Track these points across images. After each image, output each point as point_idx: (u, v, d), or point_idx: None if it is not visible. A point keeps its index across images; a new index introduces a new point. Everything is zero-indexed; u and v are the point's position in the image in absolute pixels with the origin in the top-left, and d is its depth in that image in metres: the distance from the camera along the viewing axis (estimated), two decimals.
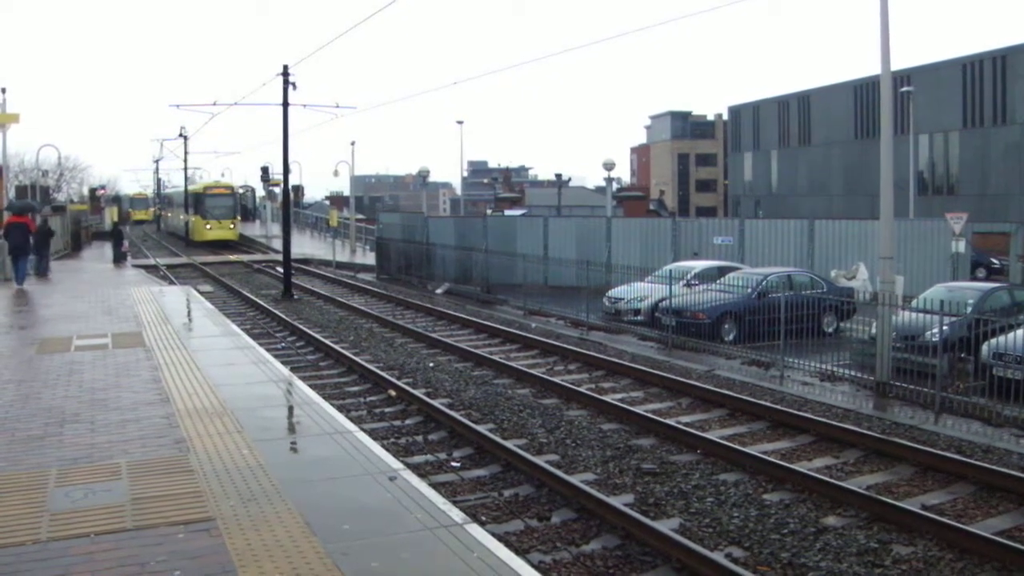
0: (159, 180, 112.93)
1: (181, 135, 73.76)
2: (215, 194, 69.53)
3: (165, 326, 21.15)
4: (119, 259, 45.65)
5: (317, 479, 9.59)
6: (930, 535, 10.56)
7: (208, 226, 67.58)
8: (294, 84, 35.64)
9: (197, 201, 69.30)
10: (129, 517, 8.26)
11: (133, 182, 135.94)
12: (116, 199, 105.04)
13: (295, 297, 34.89)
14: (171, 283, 37.15)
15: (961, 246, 31.50)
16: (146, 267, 45.80)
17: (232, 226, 69.11)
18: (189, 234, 70.54)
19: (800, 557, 10.00)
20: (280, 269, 39.86)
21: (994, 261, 42.59)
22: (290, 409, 13.24)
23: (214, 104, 45.62)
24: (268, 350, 19.17)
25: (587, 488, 11.77)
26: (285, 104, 35.87)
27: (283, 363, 17.48)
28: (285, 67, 35.47)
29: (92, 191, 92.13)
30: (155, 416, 12.14)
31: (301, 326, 26.41)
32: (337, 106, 40.65)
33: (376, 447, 10.98)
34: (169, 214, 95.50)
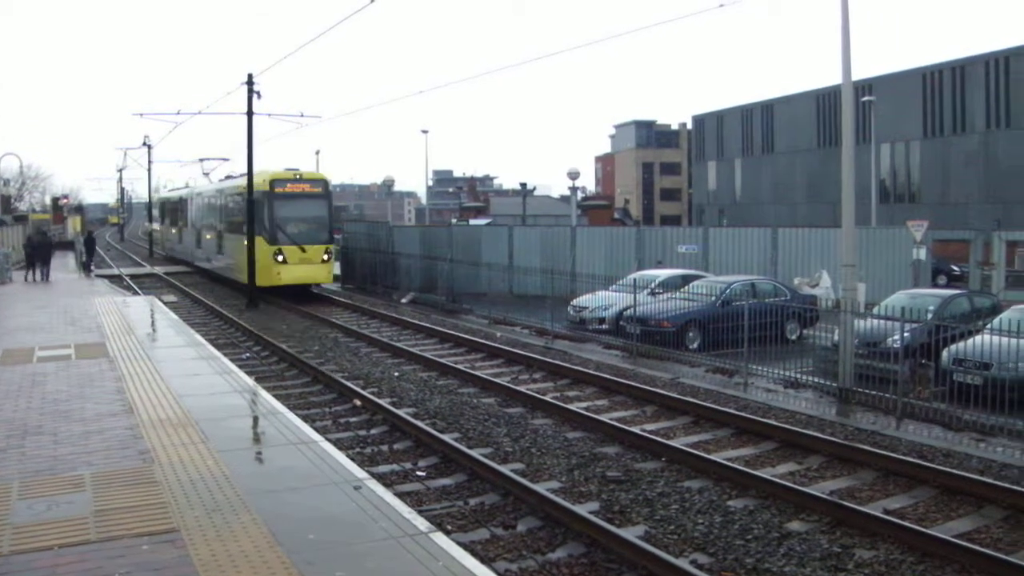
0: (123, 189, 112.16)
1: (145, 144, 72.97)
2: (293, 194, 37.86)
3: (129, 337, 21.03)
4: (89, 267, 45.57)
5: (282, 489, 9.57)
6: (892, 539, 10.67)
7: (281, 256, 36.93)
8: (259, 93, 35.54)
9: (256, 207, 36.64)
10: (93, 529, 8.22)
11: (96, 191, 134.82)
12: (79, 209, 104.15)
13: (260, 307, 34.74)
14: (135, 293, 36.98)
15: (922, 253, 31.84)
16: (110, 277, 45.44)
17: (326, 257, 38.41)
18: (243, 273, 37.70)
19: (764, 562, 10.06)
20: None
21: (954, 268, 43.05)
22: (255, 419, 13.18)
23: (178, 113, 45.47)
24: (233, 360, 19.08)
25: (553, 496, 11.79)
26: (250, 113, 35.75)
27: (248, 373, 17.40)
28: (250, 76, 35.37)
29: (55, 200, 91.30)
30: (119, 427, 12.07)
31: (266, 336, 26.32)
32: (302, 115, 40.33)
33: (341, 457, 10.97)
34: (173, 230, 63.54)
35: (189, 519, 8.48)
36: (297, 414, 13.95)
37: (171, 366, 17.06)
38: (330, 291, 41.83)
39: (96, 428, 12.03)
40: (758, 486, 12.69)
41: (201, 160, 52.99)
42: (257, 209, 36.42)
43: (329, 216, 39.29)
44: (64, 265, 49.23)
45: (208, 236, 48.07)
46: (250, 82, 35.41)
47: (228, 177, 46.81)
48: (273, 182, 37.24)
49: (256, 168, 36.89)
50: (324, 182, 39.46)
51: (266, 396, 14.73)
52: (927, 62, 67.07)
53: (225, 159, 53.71)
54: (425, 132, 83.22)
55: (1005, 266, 36.72)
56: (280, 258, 36.91)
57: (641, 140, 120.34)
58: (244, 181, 37.76)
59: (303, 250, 37.35)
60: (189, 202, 55.49)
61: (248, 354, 24.11)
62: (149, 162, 75.43)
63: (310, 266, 37.73)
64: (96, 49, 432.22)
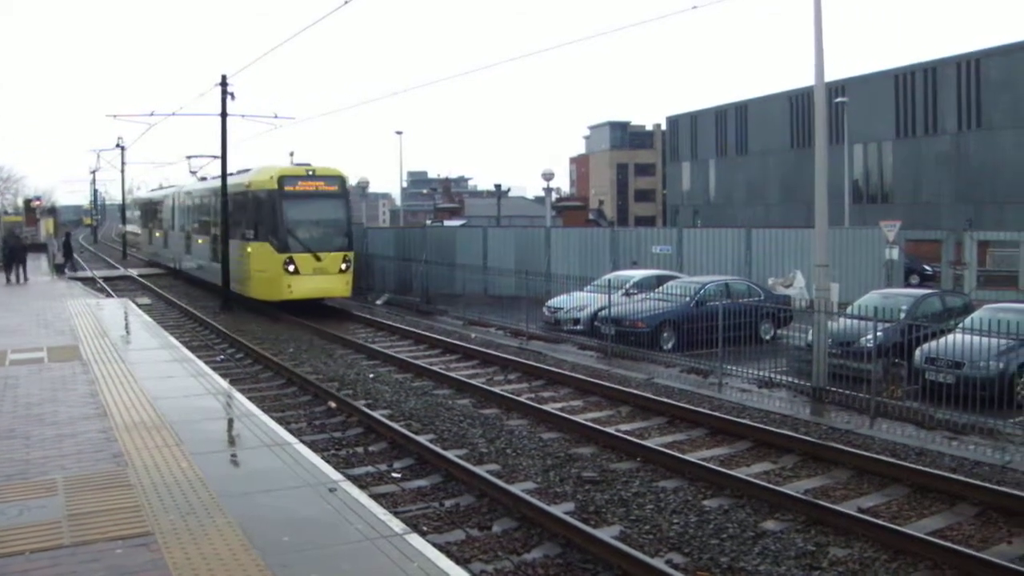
0: (96, 191, 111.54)
1: (118, 145, 72.32)
2: (305, 192, 33.16)
3: (102, 339, 20.92)
4: (63, 269, 45.34)
5: (257, 491, 9.54)
6: (866, 537, 10.73)
7: (292, 266, 31.95)
8: (232, 94, 35.38)
9: (259, 208, 33.41)
10: (66, 534, 8.17)
11: (70, 193, 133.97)
12: (52, 211, 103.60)
13: (234, 309, 34.58)
14: (109, 296, 36.70)
15: (895, 253, 32.05)
16: (83, 279, 45.15)
17: (344, 266, 33.13)
18: (248, 285, 34.51)
19: (739, 561, 10.09)
20: None
21: (926, 268, 43.33)
22: (229, 422, 13.14)
23: (151, 114, 44.90)
24: (207, 362, 19.01)
25: (528, 497, 11.80)
26: (223, 114, 35.58)
27: (222, 375, 17.34)
28: (223, 77, 35.21)
29: (27, 202, 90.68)
30: (92, 430, 12.01)
31: (240, 338, 26.22)
32: (276, 116, 40.19)
33: (316, 459, 10.95)
34: (156, 232, 58.49)
35: (163, 522, 8.45)
36: (272, 416, 13.92)
37: (145, 368, 16.98)
38: None
39: (69, 432, 11.96)
40: (733, 485, 12.73)
41: (189, 157, 48.84)
42: (262, 211, 32.86)
43: (347, 218, 34.16)
44: (36, 267, 48.88)
45: (200, 240, 42.31)
46: (224, 83, 35.26)
47: (228, 175, 40.37)
48: (282, 179, 32.47)
49: (255, 164, 35.06)
50: (341, 179, 34.16)
51: (240, 398, 14.69)
52: (899, 64, 67.43)
53: (216, 156, 49.11)
54: (399, 133, 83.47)
55: (976, 266, 36.99)
56: (291, 268, 31.75)
57: (615, 141, 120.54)
58: (242, 178, 35.10)
59: (318, 258, 32.22)
60: (175, 202, 50.07)
61: (222, 356, 24.01)
62: (123, 163, 74.84)
63: (326, 277, 32.43)
64: (69, 50, 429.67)
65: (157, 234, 58.06)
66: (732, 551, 10.38)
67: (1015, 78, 55.40)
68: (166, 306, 36.70)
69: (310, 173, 33.32)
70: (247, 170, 36.24)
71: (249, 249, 33.58)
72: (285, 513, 8.89)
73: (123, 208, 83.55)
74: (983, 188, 56.99)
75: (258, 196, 33.28)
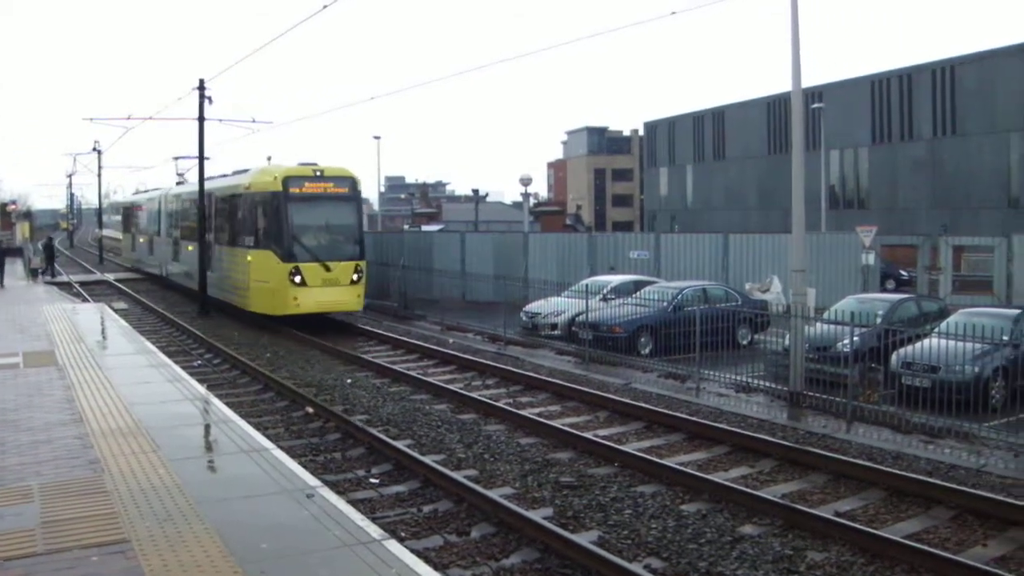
0: (72, 195, 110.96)
1: (95, 149, 71.81)
2: (313, 195, 30.32)
3: (79, 344, 20.79)
4: (42, 274, 45.09)
5: (234, 498, 9.49)
6: (843, 540, 10.78)
7: (299, 277, 29.11)
8: (210, 98, 35.28)
9: (260, 212, 30.59)
10: (41, 541, 8.10)
11: (47, 197, 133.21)
12: (28, 215, 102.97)
13: (212, 314, 34.41)
14: (85, 301, 36.52)
15: (871, 258, 32.15)
16: (59, 284, 44.90)
17: (356, 277, 30.26)
18: (246, 298, 31.61)
19: (717, 566, 10.11)
20: None
21: (903, 273, 43.50)
22: (206, 427, 13.08)
23: (128, 118, 44.57)
24: (184, 368, 18.94)
25: (506, 502, 11.79)
26: (201, 119, 35.47)
27: (199, 381, 17.27)
28: (201, 81, 35.11)
29: (3, 206, 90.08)
30: (68, 436, 11.92)
31: (217, 343, 26.11)
32: (254, 120, 40.21)
33: (294, 464, 10.91)
34: (140, 238, 55.27)
35: (140, 529, 8.39)
36: (249, 422, 13.87)
37: (121, 374, 16.88)
38: None
39: (45, 438, 11.87)
40: (711, 490, 12.76)
41: (176, 159, 47.53)
42: (265, 215, 30.03)
43: (359, 224, 31.56)
44: (12, 271, 48.58)
45: (189, 247, 39.22)
46: (201, 87, 35.15)
47: (221, 176, 38.07)
48: (287, 180, 29.53)
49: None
50: (352, 180, 30.99)
51: (218, 404, 14.62)
52: (875, 70, 67.73)
53: (206, 158, 46.03)
54: (377, 138, 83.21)
55: (952, 270, 37.16)
56: (297, 279, 28.89)
57: (593, 146, 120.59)
58: (239, 180, 32.43)
59: (327, 268, 29.37)
60: (162, 206, 46.93)
61: (200, 361, 23.91)
62: (99, 167, 74.29)
63: (336, 289, 29.59)
64: (46, 53, 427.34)
65: (141, 239, 54.92)
66: (710, 556, 10.40)
67: (989, 85, 55.77)
68: (143, 311, 36.52)
69: (318, 174, 30.31)
70: (244, 170, 33.78)
71: (249, 258, 30.66)
72: (263, 519, 8.84)
73: (99, 212, 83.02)
74: (958, 194, 57.34)
75: (259, 199, 30.33)
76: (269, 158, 35.33)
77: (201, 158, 35.49)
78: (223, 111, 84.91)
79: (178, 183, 45.95)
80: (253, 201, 30.85)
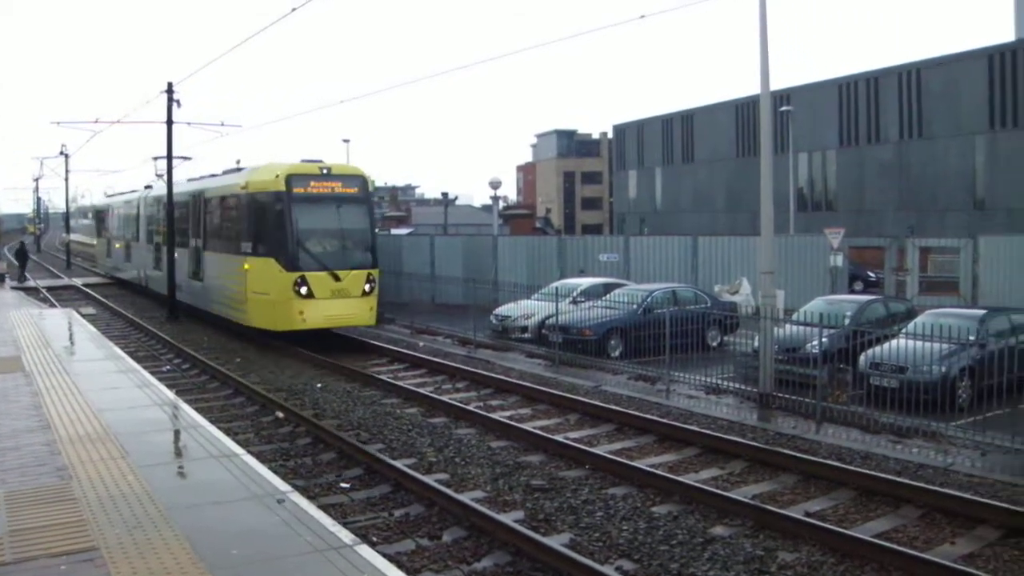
0: (39, 199, 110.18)
1: (62, 153, 71.28)
2: (320, 196, 27.42)
3: (46, 350, 20.61)
4: (10, 279, 44.73)
5: (204, 504, 9.43)
6: (813, 540, 10.84)
7: (305, 288, 26.10)
8: (179, 102, 35.04)
9: (260, 216, 27.41)
10: (7, 550, 8.01)
11: (13, 202, 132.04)
12: None
13: (181, 319, 34.17)
14: (52, 306, 36.24)
15: (839, 260, 32.34)
16: (26, 289, 44.52)
17: (368, 288, 27.36)
18: (243, 311, 28.27)
19: (689, 567, 10.13)
20: None
21: (870, 274, 43.75)
22: (176, 433, 12.99)
23: (96, 122, 44.13)
24: (153, 373, 18.80)
25: (477, 506, 11.79)
26: (169, 122, 35.24)
27: (168, 386, 17.14)
28: (170, 84, 34.90)
29: None
30: (35, 443, 11.81)
31: (187, 348, 25.96)
32: (222, 124, 39.96)
33: (264, 470, 10.86)
34: (117, 244, 51.39)
35: (109, 536, 8.32)
36: (219, 427, 13.79)
37: (89, 380, 16.74)
38: None
39: (11, 445, 11.75)
40: (681, 492, 12.80)
41: (155, 159, 44.18)
42: (265, 218, 26.91)
43: (371, 228, 28.58)
44: None
45: (175, 254, 35.49)
46: (170, 90, 34.94)
47: (210, 176, 35.17)
48: (291, 179, 26.55)
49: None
50: (362, 179, 28.29)
51: (187, 409, 14.53)
52: (842, 73, 68.05)
53: (187, 158, 43.37)
54: (347, 141, 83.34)
55: (919, 272, 37.43)
56: (303, 290, 25.83)
57: (562, 149, 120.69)
58: (233, 179, 29.58)
59: (336, 277, 26.40)
60: (141, 209, 43.61)
61: (169, 367, 23.77)
62: (67, 171, 73.75)
63: (346, 302, 26.62)
64: (12, 57, 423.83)
65: (117, 245, 51.23)
66: (681, 557, 10.42)
67: (954, 89, 56.22)
68: (111, 316, 36.24)
69: (325, 171, 27.39)
70: (238, 169, 31.11)
71: (246, 266, 27.40)
72: (233, 525, 8.79)
73: (67, 216, 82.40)
74: (924, 196, 57.72)
75: (259, 200, 27.22)
76: (238, 161, 34.74)
77: (169, 162, 35.27)
78: (192, 115, 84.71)
79: (147, 185, 44.64)
80: (251, 202, 27.63)
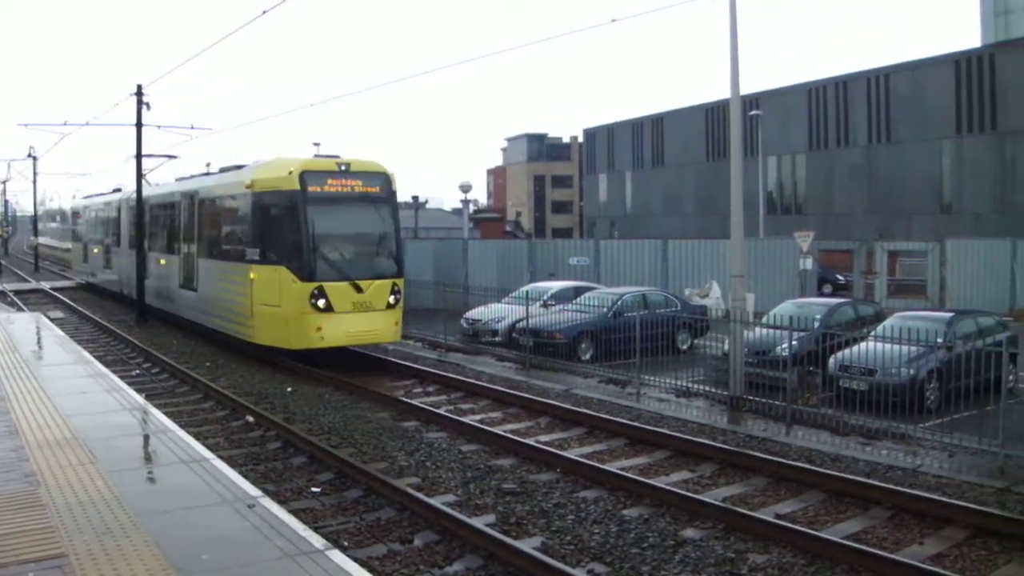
0: (6, 202, 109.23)
1: (30, 155, 70.74)
2: (339, 196, 24.12)
3: (13, 354, 20.44)
4: None
5: (175, 509, 9.38)
6: (784, 543, 10.88)
7: (323, 301, 22.80)
8: (148, 104, 34.86)
9: (269, 218, 24.33)
10: None
11: None
12: None
13: (150, 322, 33.93)
14: (20, 310, 35.93)
15: (808, 263, 32.55)
16: None
17: (393, 300, 24.05)
18: (249, 326, 24.94)
19: (660, 570, 10.15)
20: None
21: (839, 277, 44.03)
22: (146, 438, 12.92)
23: (64, 124, 43.79)
24: (122, 377, 18.69)
25: (448, 510, 11.77)
26: (139, 125, 35.03)
27: (138, 391, 17.05)
28: (139, 87, 34.70)
29: None
30: (3, 449, 11.71)
31: (156, 352, 25.78)
32: (192, 127, 39.82)
33: (234, 474, 10.81)
34: (96, 248, 47.40)
35: (78, 543, 8.26)
36: (189, 432, 13.72)
37: (58, 384, 16.61)
38: None
39: None
40: (652, 495, 12.82)
41: (136, 156, 38.94)
42: (276, 221, 23.82)
43: (396, 231, 25.18)
44: None
45: (163, 260, 33.36)
46: (139, 93, 34.73)
47: (202, 174, 32.36)
48: (306, 175, 23.26)
49: (292, 157, 24.58)
50: (385, 176, 24.66)
51: (157, 414, 14.46)
52: (812, 78, 68.60)
53: (172, 156, 40.79)
54: (317, 144, 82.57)
55: (887, 275, 37.74)
56: (321, 303, 22.66)
57: (533, 153, 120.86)
58: (235, 177, 26.51)
59: (358, 288, 23.14)
60: (123, 212, 40.16)
61: (138, 371, 23.60)
62: (35, 174, 73.22)
63: (370, 316, 23.36)
64: None
65: (95, 250, 47.27)
66: (653, 560, 10.44)
67: (921, 93, 56.74)
68: (79, 320, 35.97)
69: (343, 168, 24.02)
70: (240, 166, 27.79)
71: (252, 275, 24.23)
72: (204, 531, 8.75)
73: (35, 219, 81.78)
74: (893, 199, 58.18)
75: (268, 201, 24.10)
76: (207, 164, 34.41)
77: (139, 165, 35.07)
78: (162, 117, 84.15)
79: (116, 188, 43.71)
80: (258, 203, 24.37)
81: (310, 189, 23.12)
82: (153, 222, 35.23)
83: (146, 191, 36.18)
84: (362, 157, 24.36)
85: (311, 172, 23.38)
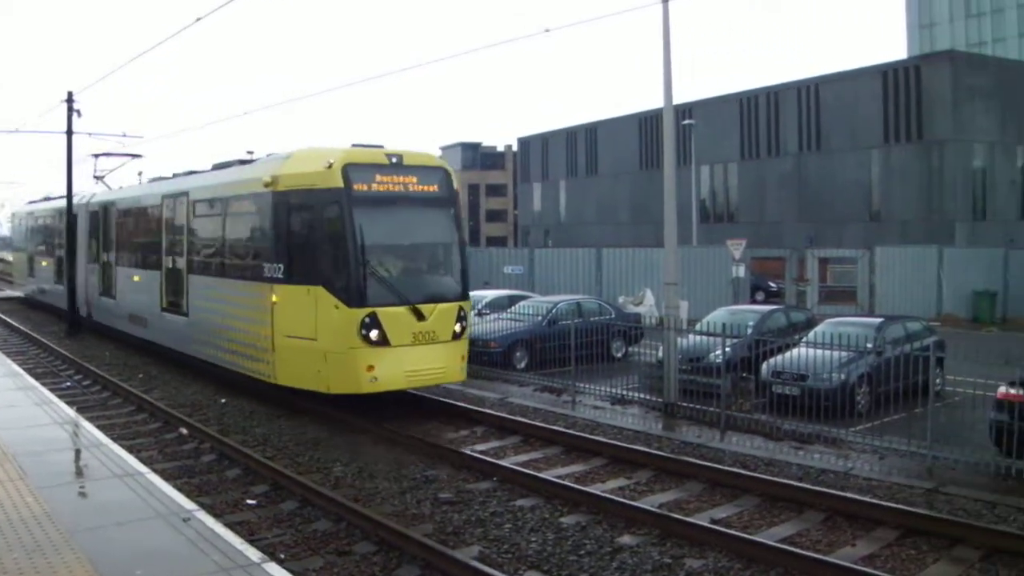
0: None
1: None
2: (391, 196, 18.35)
3: None
4: None
5: (108, 524, 9.27)
6: (720, 547, 11.00)
7: (376, 332, 17.20)
8: (79, 112, 34.35)
9: (299, 225, 18.64)
10: None
11: None
12: None
13: (82, 334, 33.34)
14: None
15: (741, 271, 32.94)
16: None
17: (459, 328, 18.62)
18: (272, 362, 18.96)
19: None
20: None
21: (771, 284, 44.63)
22: (77, 452, 12.74)
23: None
24: (53, 390, 18.43)
25: (386, 520, 11.72)
26: (69, 132, 34.49)
27: (69, 403, 16.82)
28: (70, 94, 34.18)
29: None
30: None
31: (88, 364, 25.35)
32: (124, 135, 39.04)
33: (169, 488, 10.71)
34: (45, 260, 41.45)
35: (8, 562, 8.12)
36: (122, 445, 13.57)
37: None
38: None
39: None
40: (589, 502, 12.88)
41: (96, 156, 36.71)
42: (310, 229, 18.49)
43: (461, 243, 20.25)
44: None
45: (136, 277, 28.08)
46: (70, 100, 34.22)
47: (187, 172, 26.56)
48: (350, 170, 17.96)
49: (332, 146, 19.11)
50: (444, 172, 19.77)
51: (89, 427, 14.26)
52: (744, 88, 69.28)
53: (136, 155, 37.11)
54: (250, 153, 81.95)
55: (818, 282, 38.29)
56: (374, 334, 17.37)
57: (467, 162, 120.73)
58: (249, 172, 20.91)
59: (419, 315, 17.99)
60: (82, 217, 34.10)
61: (69, 383, 23.20)
62: None
63: (433, 349, 18.23)
64: None
65: (45, 263, 41.13)
66: (591, 567, 10.49)
67: (851, 103, 57.59)
68: (7, 331, 35.25)
69: (395, 161, 18.68)
70: (243, 161, 22.92)
71: (274, 298, 18.93)
72: (138, 546, 8.65)
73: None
74: (823, 207, 58.96)
75: (298, 202, 18.76)
76: (140, 173, 33.52)
77: (69, 173, 34.43)
78: (94, 125, 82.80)
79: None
80: (283, 205, 18.97)
81: (356, 188, 17.93)
82: (121, 229, 29.86)
83: (110, 193, 32.80)
84: (413, 148, 19.76)
85: (357, 166, 18.17)
